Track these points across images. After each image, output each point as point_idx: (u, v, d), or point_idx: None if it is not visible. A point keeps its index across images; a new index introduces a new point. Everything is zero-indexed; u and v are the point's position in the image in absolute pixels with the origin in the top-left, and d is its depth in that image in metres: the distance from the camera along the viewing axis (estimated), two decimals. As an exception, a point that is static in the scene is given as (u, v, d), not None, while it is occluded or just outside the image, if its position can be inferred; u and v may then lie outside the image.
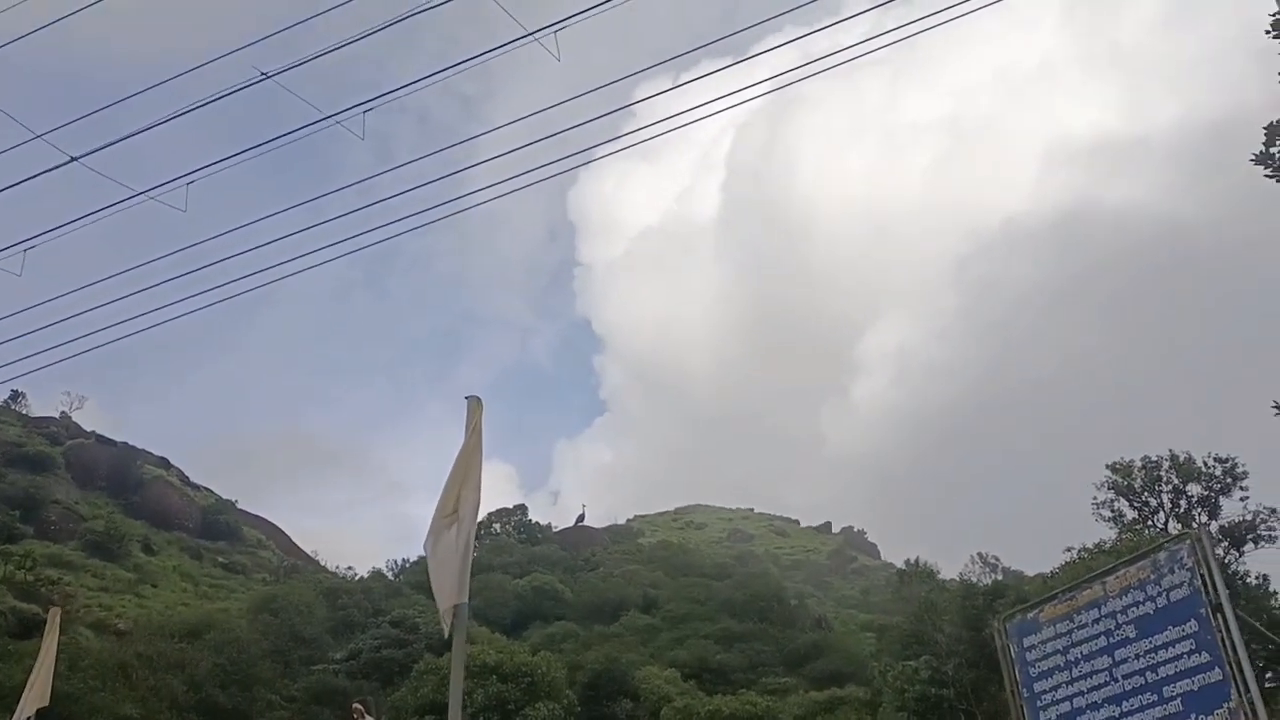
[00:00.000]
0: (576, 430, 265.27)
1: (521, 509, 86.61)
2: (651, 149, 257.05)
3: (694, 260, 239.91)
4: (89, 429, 71.54)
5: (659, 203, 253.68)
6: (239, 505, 73.86)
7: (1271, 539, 27.04)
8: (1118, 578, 12.27)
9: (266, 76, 7.79)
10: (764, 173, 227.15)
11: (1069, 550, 29.67)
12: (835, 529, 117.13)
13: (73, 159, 8.69)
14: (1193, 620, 11.24)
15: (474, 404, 6.74)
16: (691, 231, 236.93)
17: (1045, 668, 12.83)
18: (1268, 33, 11.29)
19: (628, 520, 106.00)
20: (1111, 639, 12.03)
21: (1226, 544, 27.22)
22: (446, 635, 6.37)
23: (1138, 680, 11.60)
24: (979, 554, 46.40)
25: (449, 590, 6.21)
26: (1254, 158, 11.48)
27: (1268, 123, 11.20)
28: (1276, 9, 11.24)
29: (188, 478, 73.56)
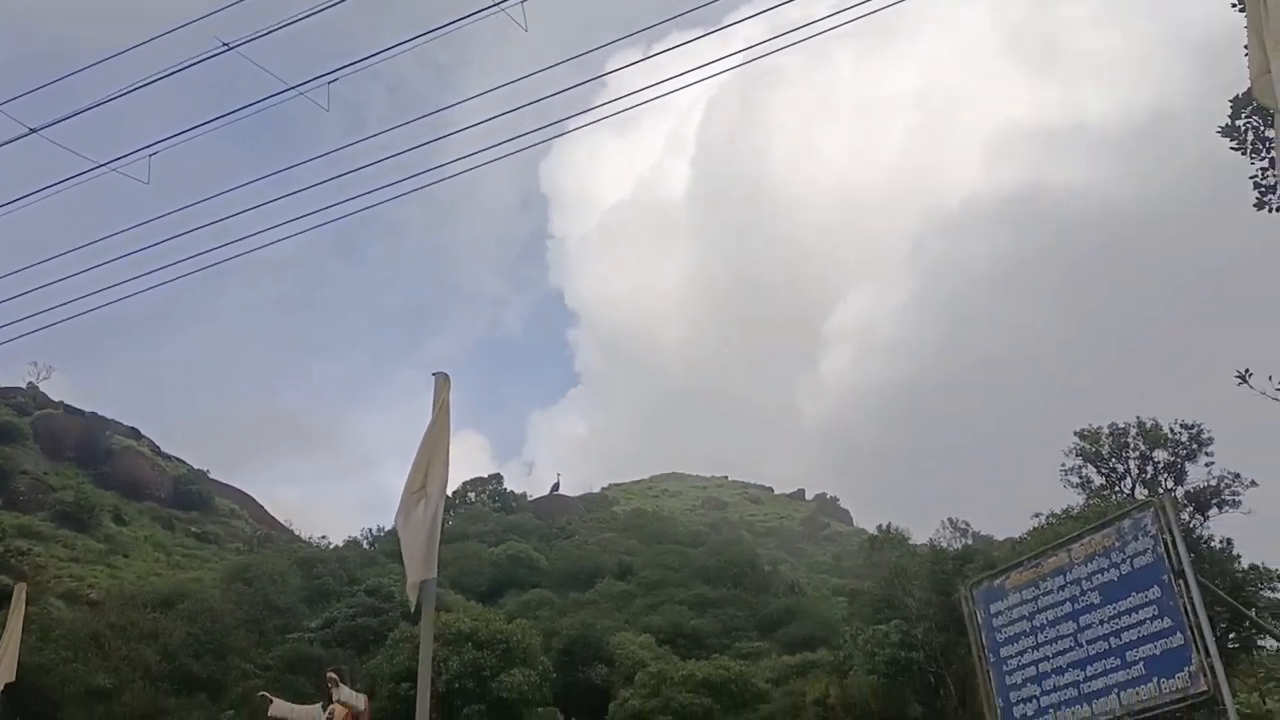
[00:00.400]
0: (550, 401, 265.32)
1: (496, 478, 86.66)
2: (623, 121, 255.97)
3: (666, 234, 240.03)
4: (57, 399, 70.76)
5: (631, 175, 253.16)
6: (211, 475, 73.46)
7: (1235, 503, 27.47)
8: (1083, 545, 12.47)
9: (229, 47, 7.64)
10: (735, 147, 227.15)
11: (1037, 516, 30.10)
12: (809, 496, 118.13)
13: (32, 131, 8.51)
14: (1156, 586, 11.45)
15: (441, 381, 6.71)
16: (664, 205, 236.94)
17: (1011, 633, 13.05)
18: (1225, 129, 11.29)
19: (603, 489, 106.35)
20: (1076, 605, 12.25)
21: (1192, 509, 27.65)
22: (413, 609, 6.39)
23: (1102, 645, 11.83)
24: (949, 519, 46.94)
25: (417, 566, 6.22)
26: (1220, 130, 11.57)
27: (1233, 95, 11.28)
28: None
29: (159, 448, 72.95)
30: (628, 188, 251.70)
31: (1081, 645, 12.01)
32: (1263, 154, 11.59)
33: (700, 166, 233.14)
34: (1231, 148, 11.53)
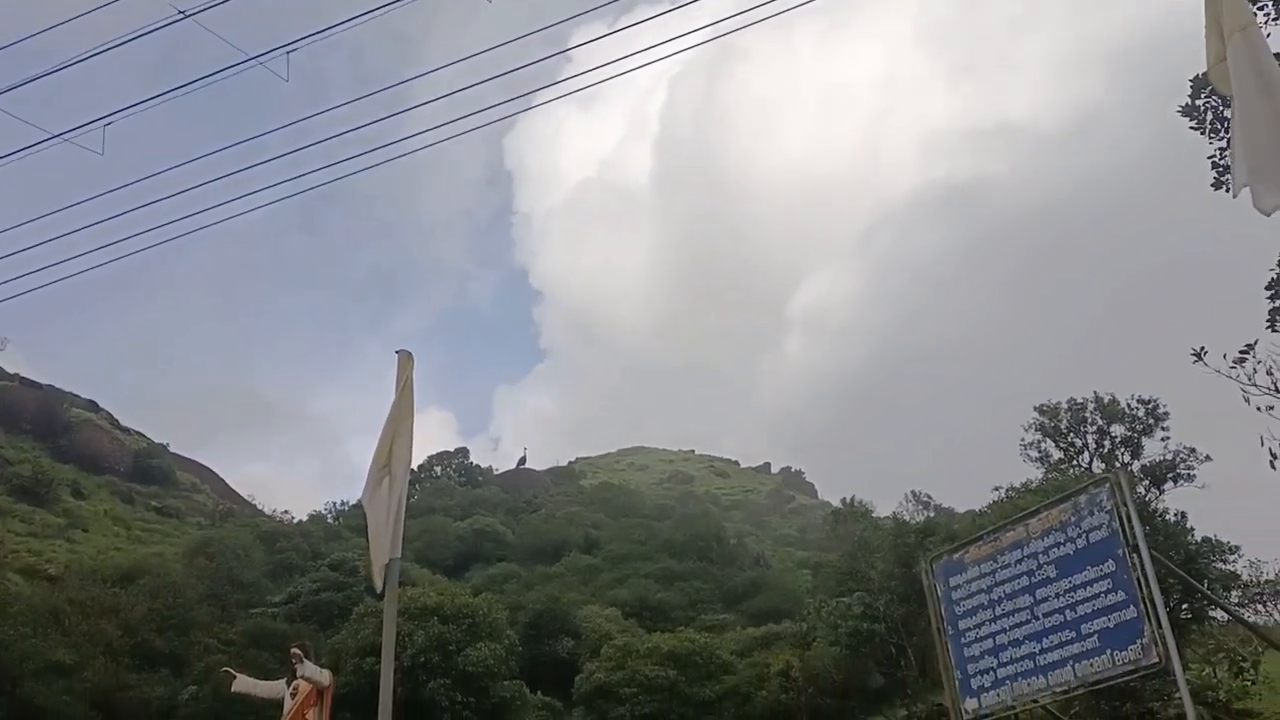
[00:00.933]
0: (517, 377, 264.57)
1: (463, 452, 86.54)
2: (588, 97, 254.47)
3: (630, 214, 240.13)
4: (13, 372, 69.51)
5: (596, 153, 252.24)
6: (172, 449, 72.70)
7: (1190, 477, 28.01)
8: (1040, 519, 12.64)
9: (184, 15, 7.48)
10: (697, 129, 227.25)
11: (997, 489, 30.52)
12: (774, 470, 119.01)
13: (-20, 99, 8.29)
14: (1110, 560, 11.65)
15: (404, 358, 6.66)
16: (628, 185, 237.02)
17: (970, 606, 13.24)
18: (1185, 108, 11.35)
19: (570, 462, 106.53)
20: (1033, 579, 12.43)
21: (1148, 483, 28.16)
22: (379, 590, 6.37)
23: (1057, 618, 12.02)
24: (912, 492, 47.65)
25: (381, 548, 6.19)
26: (1180, 110, 11.69)
27: (1193, 75, 11.40)
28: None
29: (118, 421, 72.02)
30: (592, 166, 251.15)
31: (1038, 618, 12.20)
32: (1220, 134, 11.75)
33: (663, 148, 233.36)
34: (1191, 127, 11.67)
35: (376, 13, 8.54)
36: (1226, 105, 11.06)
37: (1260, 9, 11.10)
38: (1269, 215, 4.56)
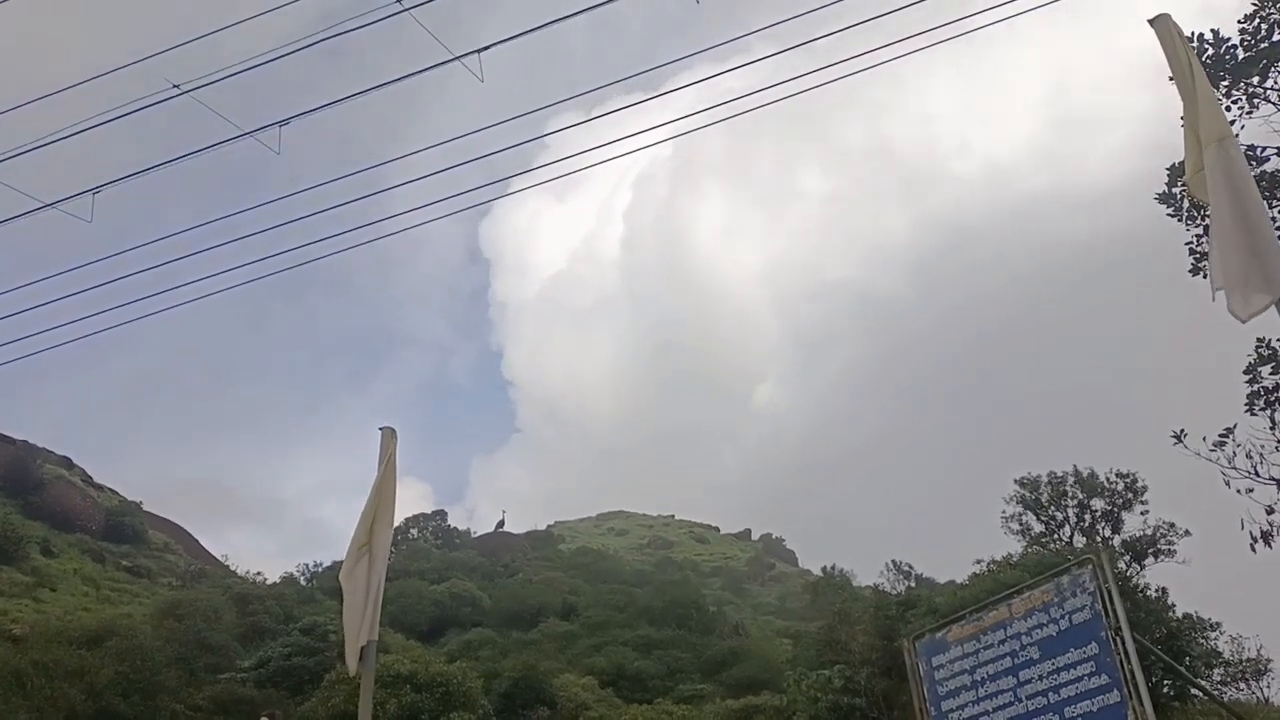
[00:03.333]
0: (494, 447, 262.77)
1: (440, 514, 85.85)
2: (563, 188, 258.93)
3: (601, 306, 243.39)
4: (-13, 426, 68.64)
5: (568, 245, 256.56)
6: (144, 507, 71.63)
7: (1171, 553, 28.06)
8: (1023, 599, 12.62)
9: (181, 91, 7.56)
10: (661, 230, 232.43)
11: (979, 562, 30.46)
12: (755, 536, 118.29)
13: (-29, 166, 8.32)
14: (1093, 643, 11.61)
15: (388, 435, 6.62)
16: (598, 277, 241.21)
17: (953, 686, 13.13)
18: (1162, 196, 11.68)
19: (548, 526, 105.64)
20: (1016, 660, 12.37)
21: (1129, 557, 28.18)
22: (353, 674, 6.24)
23: (1040, 701, 11.94)
24: (893, 561, 47.34)
25: (357, 628, 6.08)
26: (1157, 197, 11.95)
27: (1169, 164, 11.69)
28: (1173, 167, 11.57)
29: (91, 478, 71.04)
30: (563, 258, 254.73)
31: (1021, 700, 12.12)
32: (1197, 221, 12.00)
33: (629, 249, 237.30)
34: (1168, 214, 11.92)
35: (368, 93, 8.67)
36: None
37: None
38: (1245, 322, 4.66)
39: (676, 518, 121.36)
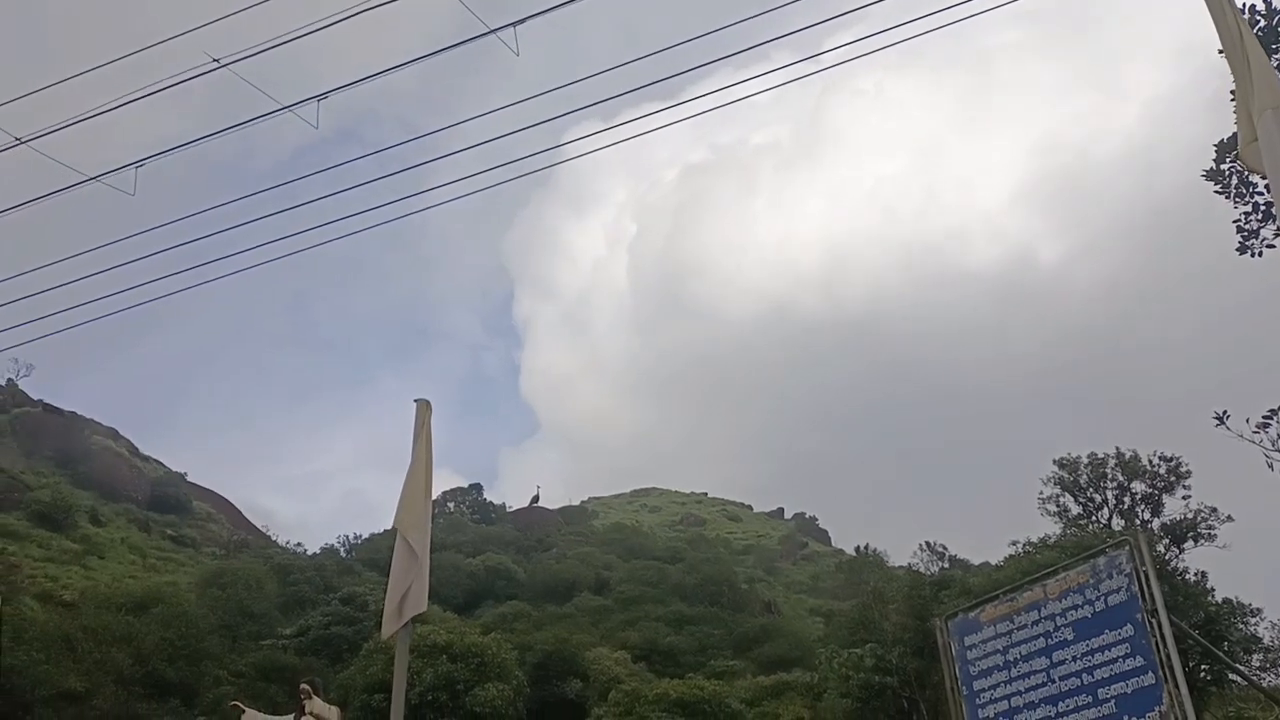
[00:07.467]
0: (522, 439, 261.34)
1: (476, 488, 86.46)
2: (580, 203, 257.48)
3: (612, 324, 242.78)
4: (36, 397, 70.15)
5: (583, 265, 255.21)
6: (189, 478, 72.95)
7: (1211, 537, 27.63)
8: (1058, 580, 12.52)
9: (220, 64, 7.66)
10: (666, 260, 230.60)
11: (1015, 544, 30.18)
12: (787, 515, 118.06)
13: (19, 141, 8.49)
14: (1129, 625, 11.51)
15: (423, 407, 6.71)
16: (609, 294, 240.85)
17: (985, 666, 13.08)
18: (1209, 173, 11.44)
19: (582, 501, 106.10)
20: (1050, 640, 12.29)
21: (1168, 541, 27.79)
22: (385, 638, 6.36)
23: (1074, 682, 11.87)
24: (927, 542, 47.04)
25: (393, 611, 6.17)
26: (1204, 174, 11.71)
27: (1217, 140, 11.45)
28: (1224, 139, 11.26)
29: (137, 449, 72.41)
30: (581, 278, 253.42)
31: (1054, 681, 12.05)
32: (1246, 198, 11.74)
33: (635, 277, 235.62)
34: (1216, 191, 11.67)
35: (407, 66, 8.73)
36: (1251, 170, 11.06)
37: None
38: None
39: (709, 495, 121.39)
